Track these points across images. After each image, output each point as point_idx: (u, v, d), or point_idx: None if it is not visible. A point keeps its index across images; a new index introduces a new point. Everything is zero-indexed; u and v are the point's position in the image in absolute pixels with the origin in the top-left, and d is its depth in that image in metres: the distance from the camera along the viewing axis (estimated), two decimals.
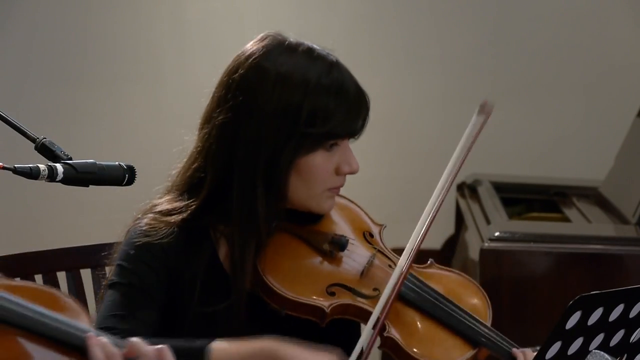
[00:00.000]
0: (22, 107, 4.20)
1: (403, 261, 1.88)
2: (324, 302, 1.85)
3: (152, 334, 1.74)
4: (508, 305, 2.88)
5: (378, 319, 1.82)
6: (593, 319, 1.68)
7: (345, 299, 1.87)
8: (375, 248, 1.98)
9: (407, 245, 1.90)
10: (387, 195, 4.15)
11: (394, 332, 1.88)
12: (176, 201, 1.91)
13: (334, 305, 1.85)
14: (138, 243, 1.86)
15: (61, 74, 4.31)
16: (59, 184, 1.71)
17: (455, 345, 1.92)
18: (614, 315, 1.70)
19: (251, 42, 1.92)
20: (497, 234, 2.98)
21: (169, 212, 1.90)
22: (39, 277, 2.33)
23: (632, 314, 1.73)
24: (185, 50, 4.26)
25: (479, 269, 2.90)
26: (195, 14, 4.27)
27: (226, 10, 4.27)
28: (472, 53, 4.31)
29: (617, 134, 3.75)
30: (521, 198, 3.87)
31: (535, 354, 1.84)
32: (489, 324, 1.99)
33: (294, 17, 4.32)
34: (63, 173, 1.70)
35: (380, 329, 1.86)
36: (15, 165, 1.65)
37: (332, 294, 1.87)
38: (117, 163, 1.80)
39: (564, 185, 3.87)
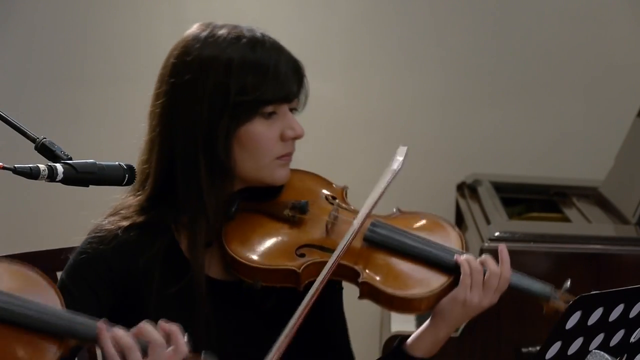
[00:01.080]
0: (22, 107, 4.20)
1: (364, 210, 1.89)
2: (295, 264, 1.87)
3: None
4: (508, 305, 2.87)
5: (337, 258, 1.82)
6: (593, 319, 1.68)
7: (315, 257, 1.89)
8: (336, 205, 1.99)
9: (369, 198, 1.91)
10: (387, 195, 4.14)
11: (367, 277, 1.89)
12: (130, 198, 1.92)
13: (306, 265, 1.88)
14: (82, 258, 1.88)
15: (61, 74, 4.31)
16: (59, 184, 1.71)
17: (431, 275, 1.93)
18: (614, 315, 1.71)
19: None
20: (497, 234, 2.98)
21: (118, 212, 1.91)
22: None
23: (632, 314, 1.73)
24: None
25: None
26: (195, 14, 4.26)
27: (226, 10, 4.27)
28: (472, 53, 4.30)
29: (617, 134, 3.74)
30: (521, 198, 3.87)
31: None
32: (464, 250, 1.99)
33: (294, 17, 4.32)
34: (63, 173, 1.70)
35: (354, 276, 1.89)
36: (15, 165, 1.65)
37: (302, 255, 1.90)
38: (117, 163, 1.80)
39: (564, 185, 3.87)
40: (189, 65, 1.88)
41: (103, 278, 1.87)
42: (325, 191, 2.03)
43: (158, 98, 1.92)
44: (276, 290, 1.91)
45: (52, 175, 1.69)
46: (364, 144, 4.29)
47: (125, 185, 1.81)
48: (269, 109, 1.88)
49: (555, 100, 4.32)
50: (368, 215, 1.88)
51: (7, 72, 4.30)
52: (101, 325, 1.59)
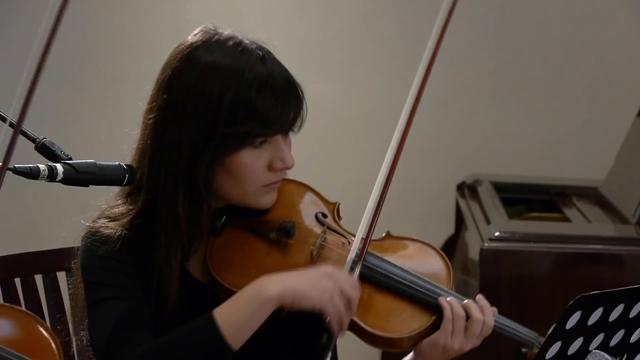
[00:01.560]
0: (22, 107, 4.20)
1: (355, 247, 1.85)
2: None
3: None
4: (508, 305, 2.87)
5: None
6: (593, 319, 1.68)
7: None
8: (325, 227, 1.94)
9: (359, 229, 1.88)
10: (387, 195, 4.14)
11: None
12: (121, 206, 1.89)
13: None
14: (97, 255, 1.84)
15: (61, 74, 4.31)
16: (59, 184, 1.71)
17: (414, 315, 1.89)
18: (614, 315, 1.70)
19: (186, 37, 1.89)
20: (497, 234, 2.98)
21: (113, 217, 1.88)
22: (39, 277, 2.33)
23: (632, 314, 1.73)
24: None
25: (479, 269, 2.90)
26: (195, 14, 4.27)
27: (226, 10, 4.27)
28: (472, 53, 4.31)
29: (617, 134, 3.75)
30: (521, 198, 3.87)
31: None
32: (451, 287, 1.94)
33: (294, 17, 4.32)
34: (63, 173, 1.69)
35: None
36: (15, 165, 1.65)
37: None
38: (117, 163, 1.80)
39: (564, 185, 3.87)
40: (183, 84, 1.82)
41: (126, 263, 1.84)
42: (317, 208, 1.98)
43: (151, 111, 1.87)
44: None
45: (52, 175, 1.69)
46: (364, 143, 4.29)
47: (125, 185, 1.81)
48: (260, 139, 1.82)
49: (555, 100, 4.32)
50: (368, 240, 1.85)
51: (7, 72, 4.30)
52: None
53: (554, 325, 1.67)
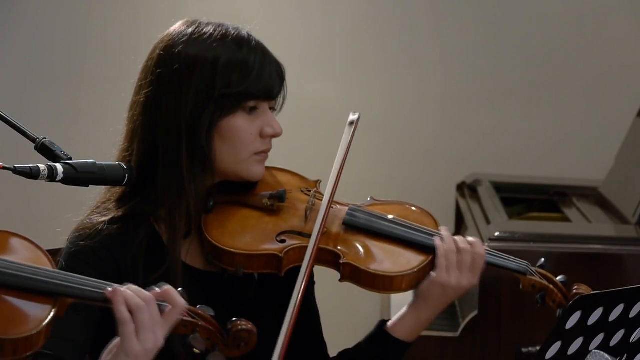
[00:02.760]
0: (22, 107, 4.20)
1: (329, 189, 1.96)
2: (277, 249, 1.91)
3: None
4: (508, 305, 2.88)
5: (315, 242, 1.88)
6: (593, 319, 1.68)
7: (296, 242, 1.93)
8: (313, 193, 2.04)
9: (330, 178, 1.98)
10: (387, 195, 4.13)
11: (348, 258, 1.93)
12: (109, 192, 1.95)
13: (287, 250, 1.91)
14: (71, 254, 1.89)
15: (61, 74, 4.31)
16: (59, 184, 1.71)
17: (410, 255, 1.98)
18: (614, 315, 1.71)
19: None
20: (497, 234, 2.98)
21: (98, 207, 1.94)
22: None
23: (632, 314, 1.73)
24: None
25: None
26: (195, 14, 4.24)
27: (226, 10, 4.27)
28: (472, 53, 4.31)
29: (617, 134, 3.74)
30: (521, 198, 3.87)
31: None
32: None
33: (294, 17, 4.32)
34: (63, 173, 1.70)
35: (334, 260, 1.93)
36: (15, 165, 1.65)
37: (283, 241, 1.93)
38: (117, 163, 1.81)
39: (564, 185, 3.87)
40: (176, 57, 1.95)
41: (95, 270, 1.87)
42: (300, 184, 2.07)
43: (142, 88, 1.96)
44: (256, 280, 1.95)
45: (52, 175, 1.69)
46: (364, 144, 4.29)
47: (125, 185, 1.81)
48: (252, 103, 1.92)
49: (556, 100, 4.32)
50: (338, 179, 1.96)
51: (7, 72, 4.30)
52: (115, 288, 1.60)
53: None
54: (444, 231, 2.03)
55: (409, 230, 2.01)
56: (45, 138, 1.80)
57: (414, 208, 2.12)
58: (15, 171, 1.65)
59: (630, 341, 1.76)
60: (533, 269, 2.06)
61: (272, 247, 1.91)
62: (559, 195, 3.80)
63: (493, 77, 4.32)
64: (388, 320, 2.04)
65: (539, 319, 2.83)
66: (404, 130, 4.31)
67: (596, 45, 4.29)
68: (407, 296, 2.06)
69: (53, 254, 2.31)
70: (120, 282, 1.83)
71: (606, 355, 1.71)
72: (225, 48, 1.93)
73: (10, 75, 4.30)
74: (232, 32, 1.98)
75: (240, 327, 1.66)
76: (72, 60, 4.30)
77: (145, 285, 1.85)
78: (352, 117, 1.99)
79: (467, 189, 3.87)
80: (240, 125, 1.91)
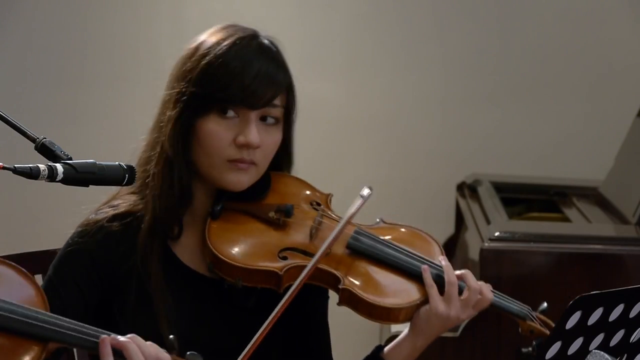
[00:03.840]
0: (22, 107, 4.20)
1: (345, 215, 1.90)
2: (277, 266, 1.88)
3: None
4: None
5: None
6: (593, 319, 1.68)
7: (298, 260, 1.90)
8: (321, 211, 2.00)
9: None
10: (387, 195, 4.14)
11: (348, 283, 1.91)
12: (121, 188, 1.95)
13: (288, 268, 1.89)
14: (67, 252, 1.91)
15: (61, 74, 4.30)
16: (59, 184, 1.71)
17: (411, 287, 1.95)
18: (614, 315, 1.71)
19: None
20: (497, 234, 2.98)
21: (109, 202, 1.96)
22: (39, 277, 2.32)
23: (632, 314, 1.73)
24: None
25: (479, 269, 2.90)
26: (195, 14, 4.26)
27: (226, 10, 4.27)
28: (472, 53, 4.30)
29: (617, 134, 3.74)
30: (521, 198, 3.87)
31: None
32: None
33: (294, 17, 4.32)
34: (63, 173, 1.69)
35: (334, 283, 1.91)
36: (15, 165, 1.65)
37: (285, 258, 1.91)
38: (117, 163, 1.80)
39: (564, 185, 3.87)
40: (178, 63, 1.97)
41: (88, 272, 1.88)
42: (309, 197, 2.04)
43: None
44: (257, 290, 1.93)
45: (52, 175, 1.69)
46: (364, 144, 4.29)
47: (125, 185, 1.82)
48: (227, 108, 1.89)
49: (555, 100, 4.32)
50: (351, 218, 1.88)
51: (7, 72, 4.30)
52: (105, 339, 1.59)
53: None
54: (444, 260, 2.00)
55: (413, 262, 1.97)
56: (45, 138, 1.80)
57: (422, 234, 2.08)
58: (15, 171, 1.65)
59: (630, 341, 1.76)
60: (534, 314, 2.04)
61: (273, 264, 1.89)
62: (559, 195, 3.80)
63: (493, 77, 4.31)
64: (384, 345, 2.02)
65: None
66: (404, 131, 4.31)
67: (596, 45, 4.29)
68: None
69: (53, 254, 2.32)
70: (113, 284, 1.84)
71: (606, 355, 1.71)
72: (216, 49, 1.90)
73: (10, 75, 4.30)
74: (234, 36, 1.93)
75: None
76: (72, 60, 4.30)
77: (141, 284, 1.86)
78: (365, 191, 1.94)
79: (467, 189, 3.87)
80: (212, 129, 1.88)
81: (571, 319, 1.65)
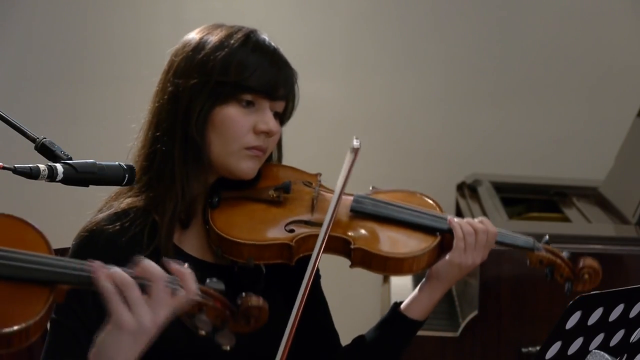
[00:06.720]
0: (22, 107, 4.20)
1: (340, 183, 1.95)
2: (287, 237, 1.92)
3: None
4: (508, 305, 2.87)
5: (327, 227, 1.88)
6: (593, 319, 1.68)
7: (304, 230, 1.95)
8: (316, 184, 2.06)
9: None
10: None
11: (359, 243, 1.96)
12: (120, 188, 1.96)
13: (297, 238, 1.92)
14: (82, 240, 1.90)
15: (61, 74, 4.31)
16: (59, 184, 1.71)
17: (419, 238, 2.02)
18: (614, 315, 1.71)
19: None
20: None
21: (109, 202, 1.96)
22: None
23: (632, 314, 1.73)
24: None
25: (479, 268, 2.90)
26: (195, 14, 4.27)
27: (226, 10, 4.27)
28: (472, 53, 4.31)
29: (617, 134, 3.75)
30: (521, 198, 3.87)
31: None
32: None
33: (294, 17, 4.32)
34: (63, 173, 1.69)
35: (344, 247, 1.95)
36: (15, 165, 1.65)
37: (292, 230, 1.95)
38: (117, 163, 1.80)
39: (564, 185, 3.87)
40: (183, 55, 1.95)
41: (108, 254, 1.86)
42: (300, 177, 2.09)
43: (156, 95, 1.99)
44: (264, 273, 1.96)
45: (52, 175, 1.69)
46: (365, 144, 4.28)
47: (125, 185, 1.81)
48: (248, 97, 1.92)
49: (556, 101, 4.32)
50: (350, 170, 1.95)
51: (7, 72, 4.30)
52: (96, 265, 1.57)
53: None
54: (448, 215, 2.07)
55: (416, 214, 2.04)
56: (45, 138, 1.80)
57: (417, 194, 2.16)
58: (15, 171, 1.65)
59: (630, 341, 1.76)
60: (539, 244, 2.12)
61: (282, 236, 1.93)
62: (559, 195, 3.80)
63: (493, 78, 4.32)
64: (401, 302, 2.07)
65: (538, 319, 2.83)
66: (404, 130, 4.31)
67: (596, 46, 4.29)
68: (408, 293, 2.09)
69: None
70: None
71: (606, 355, 1.71)
72: (232, 41, 1.92)
73: (10, 75, 4.30)
74: (244, 30, 1.96)
75: (250, 303, 1.64)
76: (72, 60, 4.31)
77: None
78: (355, 142, 1.99)
79: (467, 189, 3.87)
80: (232, 116, 1.91)
81: (571, 319, 1.65)
